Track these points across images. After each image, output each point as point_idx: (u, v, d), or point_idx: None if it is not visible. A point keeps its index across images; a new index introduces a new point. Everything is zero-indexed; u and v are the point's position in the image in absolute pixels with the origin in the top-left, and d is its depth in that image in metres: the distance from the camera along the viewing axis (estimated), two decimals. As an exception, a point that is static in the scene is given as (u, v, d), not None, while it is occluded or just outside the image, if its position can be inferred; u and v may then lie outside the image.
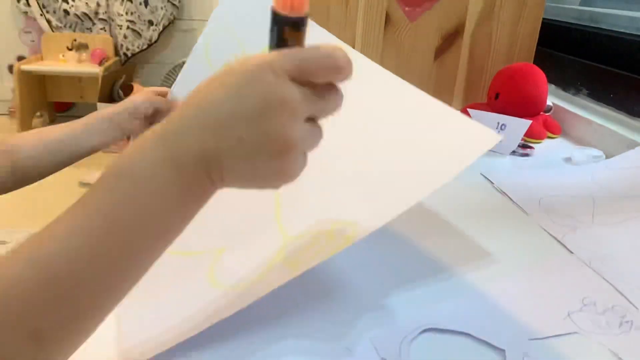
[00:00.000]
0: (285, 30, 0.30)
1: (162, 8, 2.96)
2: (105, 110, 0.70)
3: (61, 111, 3.22)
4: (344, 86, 0.32)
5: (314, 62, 0.30)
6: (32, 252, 0.27)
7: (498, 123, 0.86)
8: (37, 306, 0.26)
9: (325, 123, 0.32)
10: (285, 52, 0.30)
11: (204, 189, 0.30)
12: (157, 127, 0.30)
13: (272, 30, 0.31)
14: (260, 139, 0.29)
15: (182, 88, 0.77)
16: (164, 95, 0.76)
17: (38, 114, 3.01)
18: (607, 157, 0.83)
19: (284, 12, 0.30)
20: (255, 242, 0.46)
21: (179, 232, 0.31)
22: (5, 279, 0.27)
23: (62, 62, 2.89)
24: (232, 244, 0.47)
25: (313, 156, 0.33)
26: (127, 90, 2.87)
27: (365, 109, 0.51)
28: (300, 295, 0.47)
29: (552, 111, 1.02)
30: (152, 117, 0.74)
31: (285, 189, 0.45)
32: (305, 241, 0.43)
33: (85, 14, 2.93)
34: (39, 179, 0.67)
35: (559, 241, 0.59)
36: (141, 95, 0.73)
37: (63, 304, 0.27)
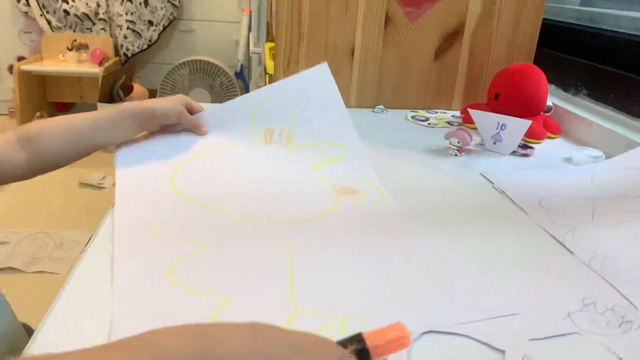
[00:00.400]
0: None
1: (162, 8, 2.96)
2: (130, 106, 0.69)
3: (61, 111, 3.22)
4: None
5: None
6: None
7: (498, 123, 0.86)
8: None
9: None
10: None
11: None
12: (205, 324, 0.32)
13: (357, 351, 0.35)
14: None
15: (213, 118, 0.76)
16: (193, 111, 0.76)
17: (38, 114, 3.00)
18: (607, 157, 0.83)
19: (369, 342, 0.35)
20: (263, 302, 0.44)
21: None
22: None
23: (62, 62, 2.89)
24: (239, 296, 0.44)
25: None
26: (127, 90, 2.87)
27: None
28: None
29: (552, 111, 1.02)
30: (174, 125, 0.75)
31: (302, 262, 0.48)
32: (317, 322, 0.42)
33: (85, 14, 2.92)
34: (60, 167, 0.67)
35: (559, 241, 0.59)
36: (172, 105, 0.72)
37: None
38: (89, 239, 0.55)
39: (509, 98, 0.95)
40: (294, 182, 0.67)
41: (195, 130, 0.75)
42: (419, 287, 0.48)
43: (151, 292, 0.44)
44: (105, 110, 0.68)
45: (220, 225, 0.56)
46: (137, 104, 0.70)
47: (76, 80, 3.03)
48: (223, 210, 0.59)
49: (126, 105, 0.70)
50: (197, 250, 0.51)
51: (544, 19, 1.08)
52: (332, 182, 0.67)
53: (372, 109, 1.10)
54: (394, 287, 0.48)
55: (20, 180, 0.64)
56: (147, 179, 0.66)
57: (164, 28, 3.02)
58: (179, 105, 0.73)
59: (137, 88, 2.95)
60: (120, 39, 3.00)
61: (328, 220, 0.59)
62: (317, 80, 0.78)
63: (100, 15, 2.93)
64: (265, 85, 1.50)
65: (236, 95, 3.00)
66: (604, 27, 1.09)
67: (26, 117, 2.83)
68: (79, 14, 2.92)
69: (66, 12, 2.91)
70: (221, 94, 3.01)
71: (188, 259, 0.49)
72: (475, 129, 0.92)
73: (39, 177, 0.66)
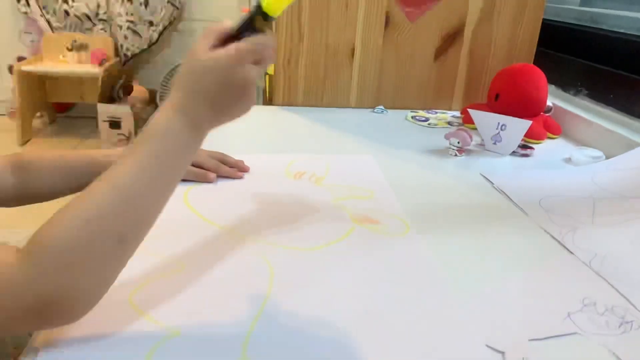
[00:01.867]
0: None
1: (162, 9, 2.96)
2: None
3: (61, 111, 3.21)
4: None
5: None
6: (111, 180, 0.40)
7: (498, 123, 0.86)
8: (122, 216, 0.39)
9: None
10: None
11: (203, 135, 0.45)
12: (173, 101, 0.43)
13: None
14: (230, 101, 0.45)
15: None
16: (228, 165, 0.73)
17: (38, 114, 3.00)
18: (607, 157, 0.83)
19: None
20: (211, 343, 0.41)
21: (185, 169, 0.45)
22: (98, 200, 0.39)
23: (62, 62, 2.89)
24: (190, 331, 0.42)
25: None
26: (127, 90, 2.87)
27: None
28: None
29: (552, 111, 1.02)
30: None
31: (276, 303, 0.46)
32: None
33: (85, 14, 2.92)
34: (51, 199, 0.65)
35: (559, 241, 0.59)
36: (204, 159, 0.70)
37: (137, 213, 0.40)
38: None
39: (509, 98, 0.95)
40: (312, 209, 0.65)
41: (233, 176, 0.72)
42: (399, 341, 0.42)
43: (106, 312, 0.42)
44: (105, 152, 0.65)
45: (215, 246, 0.55)
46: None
47: (76, 80, 3.03)
48: (227, 229, 0.58)
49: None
50: (172, 271, 0.50)
51: (544, 19, 1.08)
52: (353, 212, 0.64)
53: (372, 109, 1.10)
54: (364, 343, 0.42)
55: (4, 207, 0.62)
56: None
57: (164, 28, 3.02)
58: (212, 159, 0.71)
59: (137, 88, 2.95)
60: (120, 39, 2.99)
61: (334, 249, 0.56)
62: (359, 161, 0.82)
63: (101, 16, 2.93)
64: (265, 83, 1.50)
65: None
66: (604, 27, 1.08)
67: (26, 117, 2.83)
68: (79, 14, 2.92)
69: (66, 12, 2.91)
70: (221, 94, 3.01)
71: (157, 281, 0.48)
72: (475, 129, 0.92)
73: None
